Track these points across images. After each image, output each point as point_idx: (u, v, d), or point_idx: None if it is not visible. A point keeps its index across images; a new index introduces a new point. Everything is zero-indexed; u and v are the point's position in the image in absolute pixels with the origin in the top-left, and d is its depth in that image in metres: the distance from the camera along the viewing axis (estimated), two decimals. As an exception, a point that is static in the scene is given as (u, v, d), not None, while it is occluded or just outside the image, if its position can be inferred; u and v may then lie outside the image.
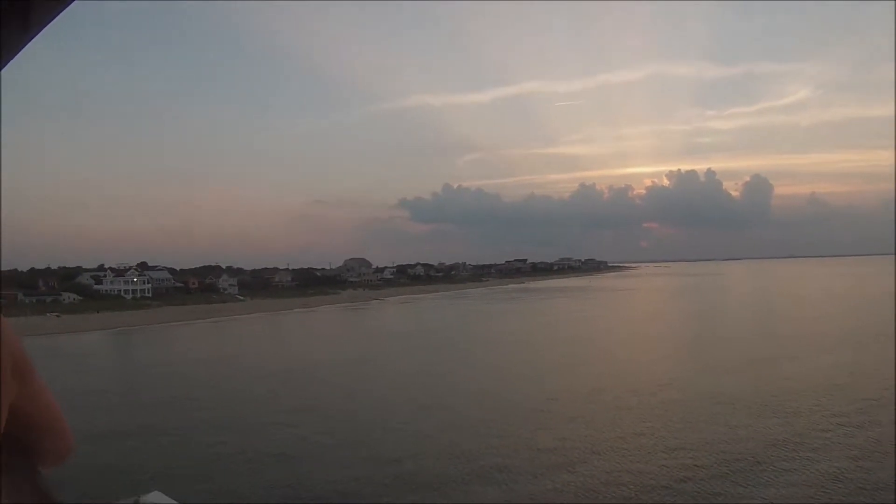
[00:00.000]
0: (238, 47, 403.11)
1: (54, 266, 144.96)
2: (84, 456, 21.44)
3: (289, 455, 23.63)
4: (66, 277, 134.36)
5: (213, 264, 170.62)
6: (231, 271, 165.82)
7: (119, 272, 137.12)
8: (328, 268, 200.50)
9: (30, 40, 0.73)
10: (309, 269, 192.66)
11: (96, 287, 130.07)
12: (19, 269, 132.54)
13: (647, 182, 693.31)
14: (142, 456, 24.13)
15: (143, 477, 20.70)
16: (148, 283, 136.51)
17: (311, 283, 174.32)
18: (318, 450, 24.37)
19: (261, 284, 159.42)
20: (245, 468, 22.36)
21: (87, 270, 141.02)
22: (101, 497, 16.81)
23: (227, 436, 26.77)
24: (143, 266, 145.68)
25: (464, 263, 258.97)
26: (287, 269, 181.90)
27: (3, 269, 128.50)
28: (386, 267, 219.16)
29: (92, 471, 19.73)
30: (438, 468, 21.59)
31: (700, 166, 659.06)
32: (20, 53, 0.75)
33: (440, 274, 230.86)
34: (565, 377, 38.07)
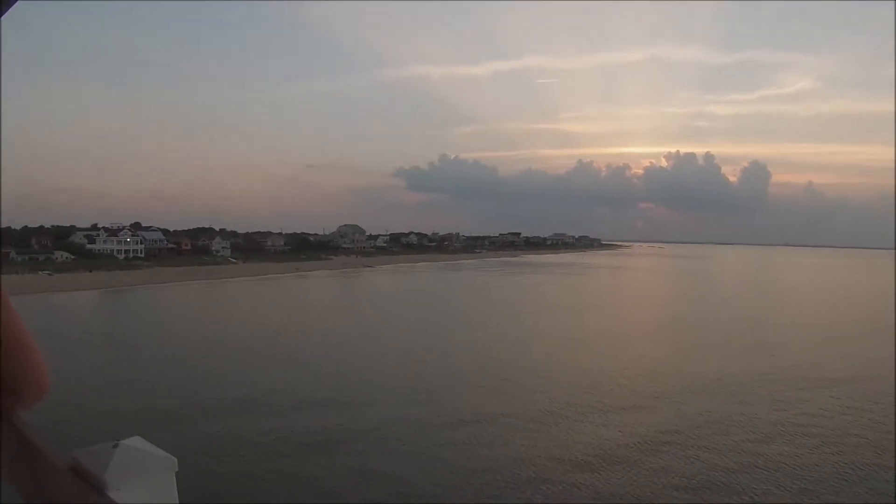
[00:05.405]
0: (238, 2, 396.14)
1: (48, 225, 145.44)
2: (65, 399, 22.70)
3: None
4: (60, 236, 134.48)
5: (205, 226, 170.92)
6: (224, 234, 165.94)
7: (112, 232, 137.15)
8: (321, 233, 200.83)
9: None
10: (302, 233, 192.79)
11: (89, 246, 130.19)
12: (12, 227, 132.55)
13: (646, 162, 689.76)
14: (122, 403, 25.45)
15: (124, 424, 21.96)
16: (141, 243, 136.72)
17: (305, 247, 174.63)
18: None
19: (254, 248, 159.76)
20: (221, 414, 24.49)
21: (80, 230, 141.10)
22: (81, 440, 16.98)
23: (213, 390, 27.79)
24: (136, 226, 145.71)
25: (457, 234, 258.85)
26: (280, 234, 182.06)
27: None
28: (379, 235, 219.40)
29: (75, 413, 22.01)
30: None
31: (699, 149, 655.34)
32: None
33: (433, 244, 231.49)
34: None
